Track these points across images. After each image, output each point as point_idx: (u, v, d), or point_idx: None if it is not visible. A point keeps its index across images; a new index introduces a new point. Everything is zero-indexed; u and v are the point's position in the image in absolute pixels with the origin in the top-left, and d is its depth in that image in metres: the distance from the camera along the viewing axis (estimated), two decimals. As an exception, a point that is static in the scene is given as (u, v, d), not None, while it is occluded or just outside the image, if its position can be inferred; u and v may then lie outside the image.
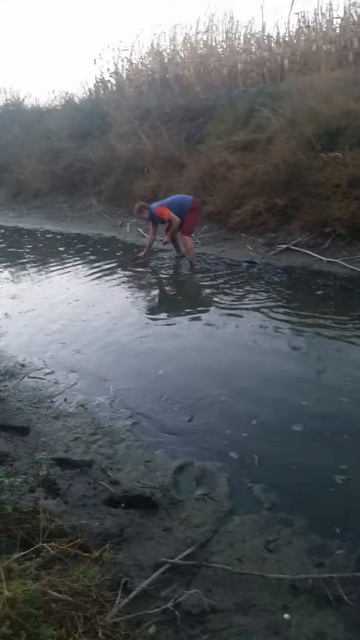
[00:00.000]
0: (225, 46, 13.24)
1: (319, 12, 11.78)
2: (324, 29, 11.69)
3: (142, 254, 7.52)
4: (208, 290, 6.02)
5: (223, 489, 2.61)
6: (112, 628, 1.63)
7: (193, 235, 7.72)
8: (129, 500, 2.53)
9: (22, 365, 4.26)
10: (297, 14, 13.39)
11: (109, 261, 7.81)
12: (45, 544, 1.67)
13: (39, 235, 10.81)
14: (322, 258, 6.69)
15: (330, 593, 1.91)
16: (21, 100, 17.44)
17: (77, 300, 5.98)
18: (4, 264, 8.43)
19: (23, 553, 1.62)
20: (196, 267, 7.03)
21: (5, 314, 5.64)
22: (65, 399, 3.66)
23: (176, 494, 2.60)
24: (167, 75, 13.48)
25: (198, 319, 5.13)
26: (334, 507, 2.44)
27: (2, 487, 2.13)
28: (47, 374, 4.09)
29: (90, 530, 2.21)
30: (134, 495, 2.56)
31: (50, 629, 1.36)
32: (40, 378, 4.01)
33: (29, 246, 9.80)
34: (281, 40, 12.23)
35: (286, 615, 1.86)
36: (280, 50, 12.04)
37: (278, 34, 12.32)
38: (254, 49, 12.60)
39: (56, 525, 2.11)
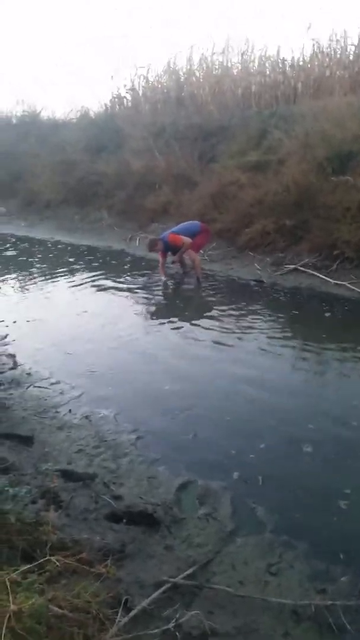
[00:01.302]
0: (240, 68, 13.43)
1: (334, 39, 11.96)
2: (338, 55, 11.85)
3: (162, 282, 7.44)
4: (215, 308, 6.03)
5: (226, 509, 2.60)
6: (111, 647, 1.62)
7: (202, 251, 7.76)
8: (131, 516, 2.51)
9: (28, 374, 4.27)
10: (312, 39, 13.56)
11: (118, 274, 7.86)
12: (52, 557, 1.66)
13: (49, 245, 10.89)
14: (330, 280, 6.70)
15: (333, 621, 1.88)
16: (37, 112, 17.68)
17: (85, 311, 6.01)
18: (15, 273, 8.49)
19: (29, 566, 1.61)
20: (203, 284, 7.06)
21: (14, 322, 5.65)
22: (70, 410, 3.66)
23: (178, 512, 2.59)
24: (182, 94, 13.66)
25: (204, 336, 5.12)
26: (337, 533, 2.41)
27: (6, 496, 2.12)
28: (53, 384, 4.09)
29: (91, 544, 2.20)
30: (136, 511, 2.54)
31: (52, 645, 1.35)
32: (45, 388, 4.02)
33: (39, 256, 9.87)
34: (295, 64, 12.40)
35: (287, 642, 1.83)
36: (294, 74, 12.20)
37: (292, 58, 12.50)
38: (268, 72, 12.77)
39: (58, 538, 2.10)
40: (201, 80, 13.77)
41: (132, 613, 1.82)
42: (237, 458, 3.04)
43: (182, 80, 14.07)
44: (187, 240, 7.14)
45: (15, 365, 4.38)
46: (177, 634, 1.78)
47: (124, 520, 2.50)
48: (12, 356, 4.54)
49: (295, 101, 11.60)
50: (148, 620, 1.86)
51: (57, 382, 4.11)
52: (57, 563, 1.64)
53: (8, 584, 1.36)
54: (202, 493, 2.73)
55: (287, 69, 12.46)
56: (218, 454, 3.09)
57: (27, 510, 2.33)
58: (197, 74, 14.05)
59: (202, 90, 13.29)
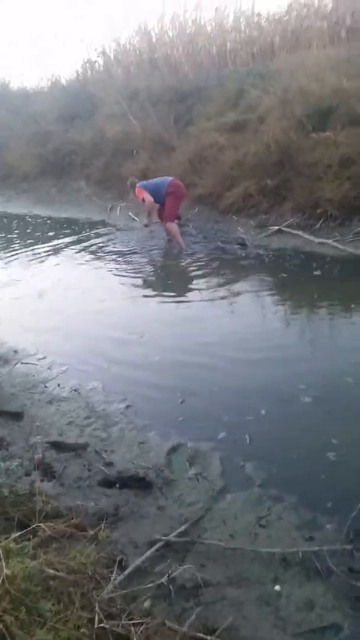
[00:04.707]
0: (214, 25, 13.05)
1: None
2: (316, 4, 11.51)
3: (146, 221, 7.51)
4: (200, 275, 6.02)
5: (215, 468, 2.67)
6: (108, 603, 1.68)
7: (178, 220, 7.58)
8: (124, 481, 2.58)
9: (15, 352, 4.27)
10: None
11: (99, 246, 7.80)
12: (41, 524, 1.71)
13: (28, 219, 10.75)
14: (314, 239, 6.70)
15: (320, 565, 1.97)
16: (7, 82, 17.16)
17: (67, 285, 5.98)
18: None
19: (20, 533, 1.67)
20: (185, 251, 7.00)
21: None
22: (59, 384, 3.69)
23: (169, 474, 2.66)
24: (156, 55, 13.29)
25: (191, 303, 5.14)
26: (324, 483, 2.49)
27: (-2, 470, 2.17)
28: (40, 359, 4.11)
29: (86, 510, 2.27)
30: (128, 476, 2.61)
31: (48, 604, 1.41)
32: (33, 364, 4.03)
33: (17, 231, 9.74)
34: (271, 17, 12.06)
35: (277, 587, 1.92)
36: (270, 28, 11.88)
37: (268, 11, 12.15)
38: (243, 27, 12.42)
39: (52, 507, 2.16)
40: (174, 40, 13.39)
41: (126, 571, 1.90)
42: (224, 419, 3.10)
43: (154, 41, 13.67)
44: (149, 199, 7.07)
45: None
46: (171, 587, 1.86)
47: (117, 485, 2.57)
48: None
49: (273, 57, 11.34)
50: (143, 576, 1.94)
51: (44, 358, 4.12)
52: (47, 529, 1.69)
53: (0, 551, 1.41)
54: (192, 454, 2.80)
55: (263, 23, 12.14)
56: (205, 417, 3.14)
57: (21, 482, 2.39)
58: (170, 33, 13.65)
59: (176, 50, 12.96)
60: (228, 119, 9.16)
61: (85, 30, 24.12)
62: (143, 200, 7.19)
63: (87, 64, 15.13)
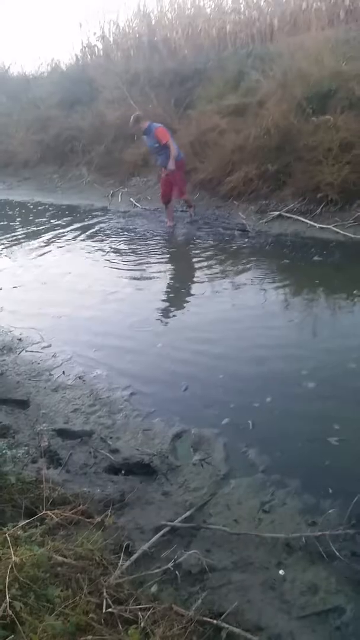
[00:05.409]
0: (213, 6, 12.86)
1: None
2: (314, -15, 11.32)
3: (170, 167, 7.21)
4: (202, 261, 6.01)
5: (219, 454, 2.70)
6: (115, 588, 1.72)
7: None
8: (129, 467, 2.61)
9: (20, 340, 4.30)
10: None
11: (100, 233, 7.77)
12: (48, 511, 1.74)
13: (30, 206, 10.69)
14: (315, 224, 6.67)
15: (323, 549, 2.01)
16: (6, 68, 16.94)
17: (70, 272, 5.98)
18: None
19: (27, 521, 1.70)
20: (188, 239, 6.98)
21: (0, 289, 5.64)
22: (64, 372, 3.71)
23: (174, 460, 2.69)
24: (155, 38, 13.10)
25: (194, 291, 5.14)
26: (327, 468, 2.52)
27: (5, 458, 2.19)
28: (44, 347, 4.13)
29: (92, 497, 2.30)
30: (134, 463, 2.64)
31: (57, 590, 1.44)
32: (37, 352, 4.06)
33: (19, 219, 9.70)
34: (270, -1, 11.87)
35: (281, 572, 1.96)
36: (269, 10, 11.70)
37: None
38: (242, 8, 12.23)
39: (59, 494, 2.18)
40: (174, 22, 13.19)
41: (133, 557, 1.93)
42: (228, 405, 3.12)
43: (153, 23, 13.46)
44: (173, 147, 7.04)
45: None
46: (177, 572, 1.89)
47: (123, 472, 2.60)
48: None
49: (272, 39, 11.18)
50: (149, 562, 1.97)
51: (49, 346, 4.15)
52: (54, 516, 1.72)
53: (9, 538, 1.44)
54: (196, 440, 2.84)
55: (262, 3, 11.96)
56: (209, 404, 3.17)
57: (28, 470, 2.42)
58: (169, 15, 13.45)
59: (175, 32, 12.76)
60: (229, 102, 9.06)
61: (84, 13, 23.68)
62: (165, 144, 7.07)
63: (87, 49, 14.93)
